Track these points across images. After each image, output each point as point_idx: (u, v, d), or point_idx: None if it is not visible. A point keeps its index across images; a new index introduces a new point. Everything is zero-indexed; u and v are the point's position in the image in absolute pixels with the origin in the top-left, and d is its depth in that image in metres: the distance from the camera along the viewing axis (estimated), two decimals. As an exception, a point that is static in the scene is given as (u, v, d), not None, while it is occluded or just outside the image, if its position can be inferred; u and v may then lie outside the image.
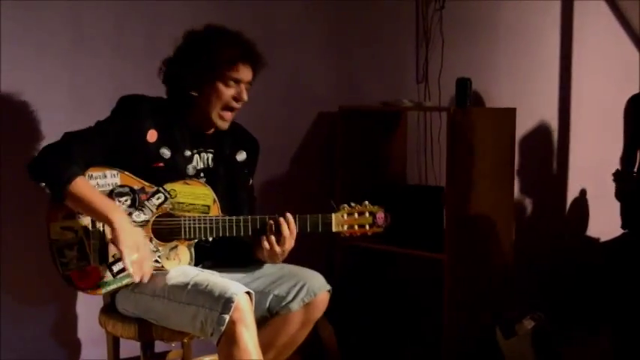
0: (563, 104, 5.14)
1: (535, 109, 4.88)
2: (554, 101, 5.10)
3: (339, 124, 4.05)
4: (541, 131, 5.00)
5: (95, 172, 2.76)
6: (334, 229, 2.91)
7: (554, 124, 5.10)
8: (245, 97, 2.91)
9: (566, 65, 5.12)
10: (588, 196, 5.32)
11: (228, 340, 2.59)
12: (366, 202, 2.95)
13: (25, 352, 3.26)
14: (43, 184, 2.68)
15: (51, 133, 2.89)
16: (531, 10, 4.87)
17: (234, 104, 2.91)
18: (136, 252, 2.66)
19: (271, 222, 2.83)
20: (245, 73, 2.91)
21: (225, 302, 2.58)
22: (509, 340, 3.80)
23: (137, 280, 2.70)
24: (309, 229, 2.89)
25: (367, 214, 2.94)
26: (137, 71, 3.37)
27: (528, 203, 4.88)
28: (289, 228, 2.83)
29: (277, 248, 2.83)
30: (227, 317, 2.57)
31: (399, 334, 4.19)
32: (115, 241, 2.66)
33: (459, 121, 3.79)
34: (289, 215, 2.85)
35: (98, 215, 2.71)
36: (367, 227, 2.94)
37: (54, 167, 2.67)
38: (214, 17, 3.04)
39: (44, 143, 2.81)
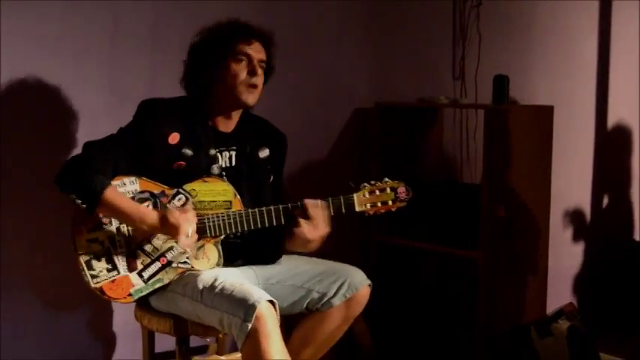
0: (601, 102, 5.09)
1: (572, 107, 4.84)
2: (592, 99, 5.06)
3: (375, 120, 4.04)
4: (578, 129, 4.96)
5: (114, 181, 2.77)
6: (357, 208, 2.90)
7: (591, 122, 5.07)
8: (259, 71, 2.89)
9: (604, 63, 5.07)
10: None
11: (250, 348, 2.58)
12: (386, 179, 2.94)
13: (62, 346, 3.29)
14: (74, 195, 2.70)
15: (91, 131, 2.90)
16: (569, 7, 4.83)
17: (251, 80, 2.87)
18: (184, 235, 2.71)
19: (297, 208, 2.82)
20: (254, 49, 2.89)
21: (247, 310, 2.57)
22: (545, 339, 3.77)
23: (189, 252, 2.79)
24: (332, 212, 2.88)
25: (388, 190, 2.93)
26: (174, 68, 3.38)
27: (565, 202, 4.84)
28: (317, 208, 2.83)
29: (311, 233, 2.82)
30: (249, 325, 2.55)
31: (433, 332, 4.18)
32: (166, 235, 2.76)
33: (495, 118, 3.76)
34: (316, 201, 2.85)
35: (131, 222, 2.75)
36: (390, 203, 2.94)
37: (83, 179, 2.70)
38: (250, 15, 3.03)
39: (85, 140, 2.82)
